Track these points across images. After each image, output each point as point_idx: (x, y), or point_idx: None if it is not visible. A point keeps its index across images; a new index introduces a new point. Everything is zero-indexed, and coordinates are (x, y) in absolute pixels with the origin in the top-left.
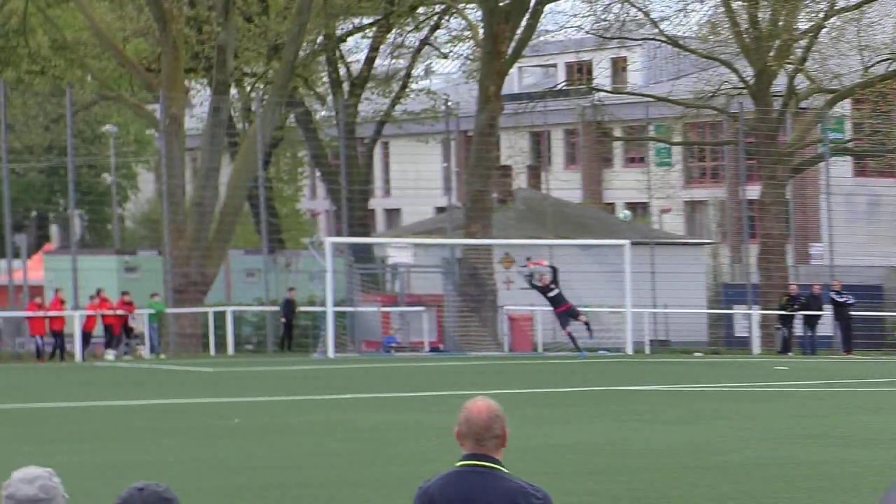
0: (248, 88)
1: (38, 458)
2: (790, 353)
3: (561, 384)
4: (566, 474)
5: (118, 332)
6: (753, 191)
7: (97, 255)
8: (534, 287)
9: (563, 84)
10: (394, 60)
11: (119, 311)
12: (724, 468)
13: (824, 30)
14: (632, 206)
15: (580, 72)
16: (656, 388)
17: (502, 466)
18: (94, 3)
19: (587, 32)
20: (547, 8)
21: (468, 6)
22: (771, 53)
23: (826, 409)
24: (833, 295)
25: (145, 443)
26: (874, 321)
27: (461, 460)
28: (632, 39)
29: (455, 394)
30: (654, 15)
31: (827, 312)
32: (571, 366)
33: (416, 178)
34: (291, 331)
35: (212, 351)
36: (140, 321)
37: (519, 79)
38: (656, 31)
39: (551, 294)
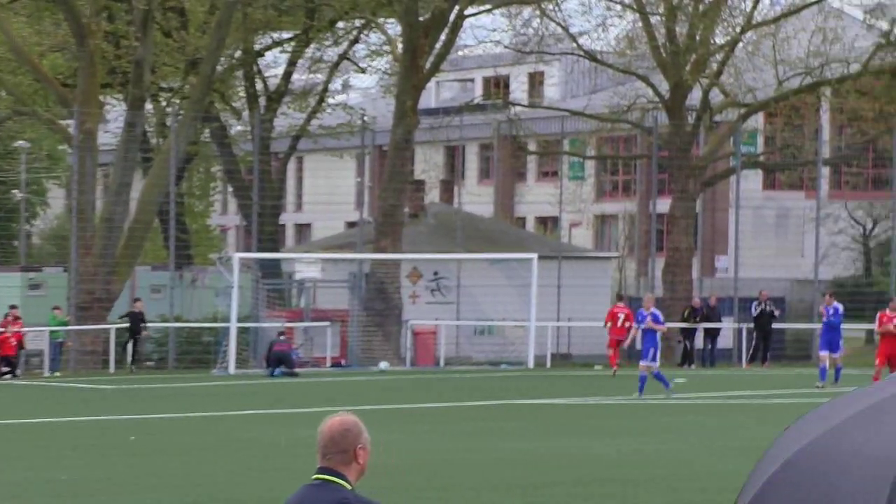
0: (164, 103)
1: None
2: (691, 366)
3: (459, 398)
4: (462, 488)
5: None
6: (664, 204)
7: (1, 273)
8: None
9: (480, 98)
10: (311, 75)
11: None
12: (629, 482)
13: (740, 44)
14: (542, 220)
15: (497, 86)
16: (555, 401)
17: (345, 481)
18: (10, 17)
19: (506, 47)
20: (466, 22)
21: (388, 21)
22: (687, 67)
23: (726, 421)
24: (761, 306)
25: (41, 461)
26: (776, 333)
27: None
28: (550, 54)
29: (337, 409)
30: (573, 30)
31: (726, 325)
32: (471, 380)
33: (328, 192)
34: (136, 345)
35: (111, 368)
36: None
37: (436, 93)
38: (574, 45)
39: None
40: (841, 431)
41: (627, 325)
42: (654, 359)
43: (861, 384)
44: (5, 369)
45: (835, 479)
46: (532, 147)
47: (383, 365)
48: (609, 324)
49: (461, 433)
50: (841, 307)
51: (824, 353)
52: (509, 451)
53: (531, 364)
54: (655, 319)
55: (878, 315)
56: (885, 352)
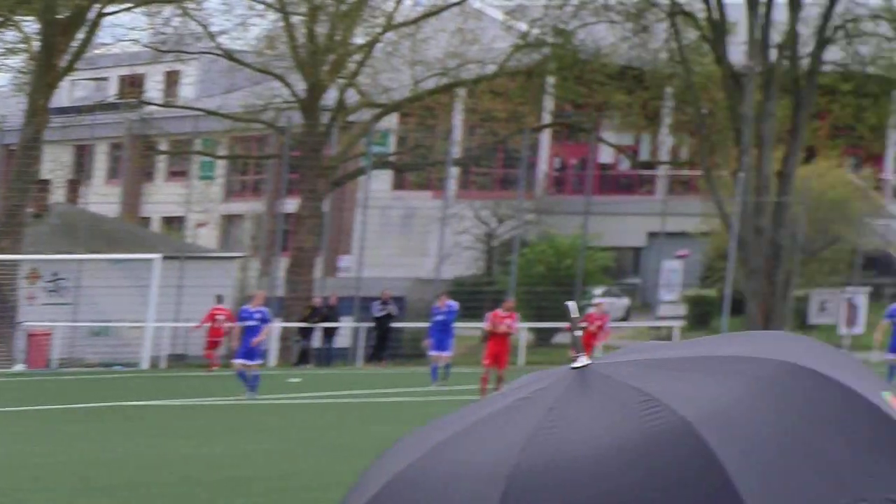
0: None
1: None
2: (308, 365)
3: (68, 401)
4: (74, 491)
5: None
6: (293, 204)
7: None
8: None
9: (113, 97)
10: None
11: None
12: (236, 482)
13: (379, 44)
14: (168, 220)
15: (132, 85)
16: (166, 402)
17: None
18: None
19: (144, 46)
20: (105, 21)
21: (25, 19)
22: (325, 68)
23: (338, 419)
24: (384, 305)
25: None
26: (395, 332)
27: None
28: (188, 53)
29: None
30: (213, 28)
31: (345, 325)
32: (82, 382)
33: None
34: None
35: None
36: None
37: (70, 92)
38: (213, 44)
39: None
40: (454, 442)
41: (227, 325)
42: (260, 357)
43: (471, 383)
44: None
45: (446, 491)
46: (164, 146)
47: (19, 367)
48: (208, 325)
49: (63, 435)
50: (456, 305)
51: (435, 353)
52: (111, 453)
53: (146, 365)
54: (263, 317)
55: (490, 314)
56: (493, 351)
